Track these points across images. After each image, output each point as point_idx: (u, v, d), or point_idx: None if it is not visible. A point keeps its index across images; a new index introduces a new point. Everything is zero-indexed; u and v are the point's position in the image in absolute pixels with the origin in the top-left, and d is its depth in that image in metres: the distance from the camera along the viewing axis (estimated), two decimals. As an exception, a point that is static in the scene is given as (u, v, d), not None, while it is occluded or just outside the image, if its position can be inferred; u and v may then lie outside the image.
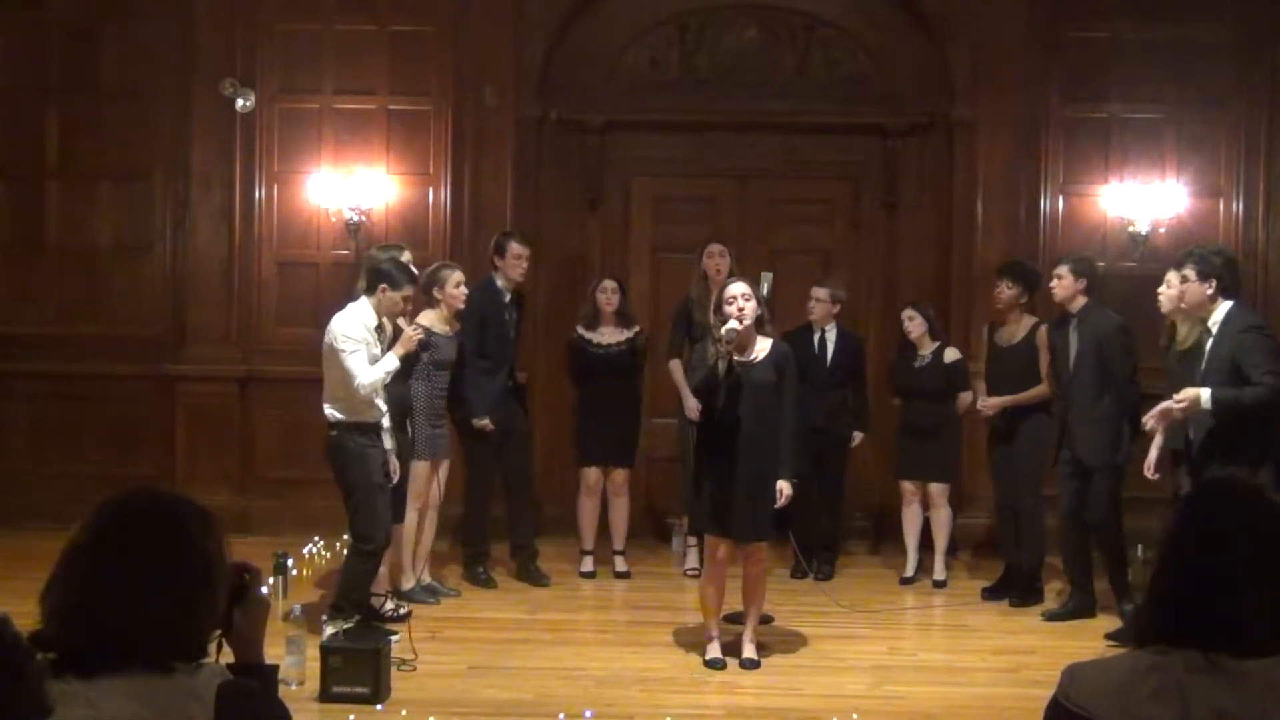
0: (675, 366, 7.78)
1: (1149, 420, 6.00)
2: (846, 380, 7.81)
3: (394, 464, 6.39)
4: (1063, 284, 6.89)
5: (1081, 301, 6.88)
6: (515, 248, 7.52)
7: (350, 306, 6.25)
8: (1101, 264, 7.73)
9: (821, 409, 7.50)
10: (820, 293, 7.77)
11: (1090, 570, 6.97)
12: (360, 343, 6.11)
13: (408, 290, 6.26)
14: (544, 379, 8.58)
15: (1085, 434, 6.73)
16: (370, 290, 6.22)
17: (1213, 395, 5.73)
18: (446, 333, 7.06)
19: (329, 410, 6.19)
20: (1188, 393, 5.78)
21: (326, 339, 6.20)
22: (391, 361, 6.18)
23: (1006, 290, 7.32)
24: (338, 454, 6.18)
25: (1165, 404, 5.88)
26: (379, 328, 6.23)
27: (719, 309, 5.99)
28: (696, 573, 7.66)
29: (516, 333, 7.62)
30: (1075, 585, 6.98)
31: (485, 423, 7.33)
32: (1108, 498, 6.71)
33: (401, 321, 6.50)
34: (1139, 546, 7.22)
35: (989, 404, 7.29)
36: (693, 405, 7.62)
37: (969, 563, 8.15)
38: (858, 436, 7.88)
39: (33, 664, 1.85)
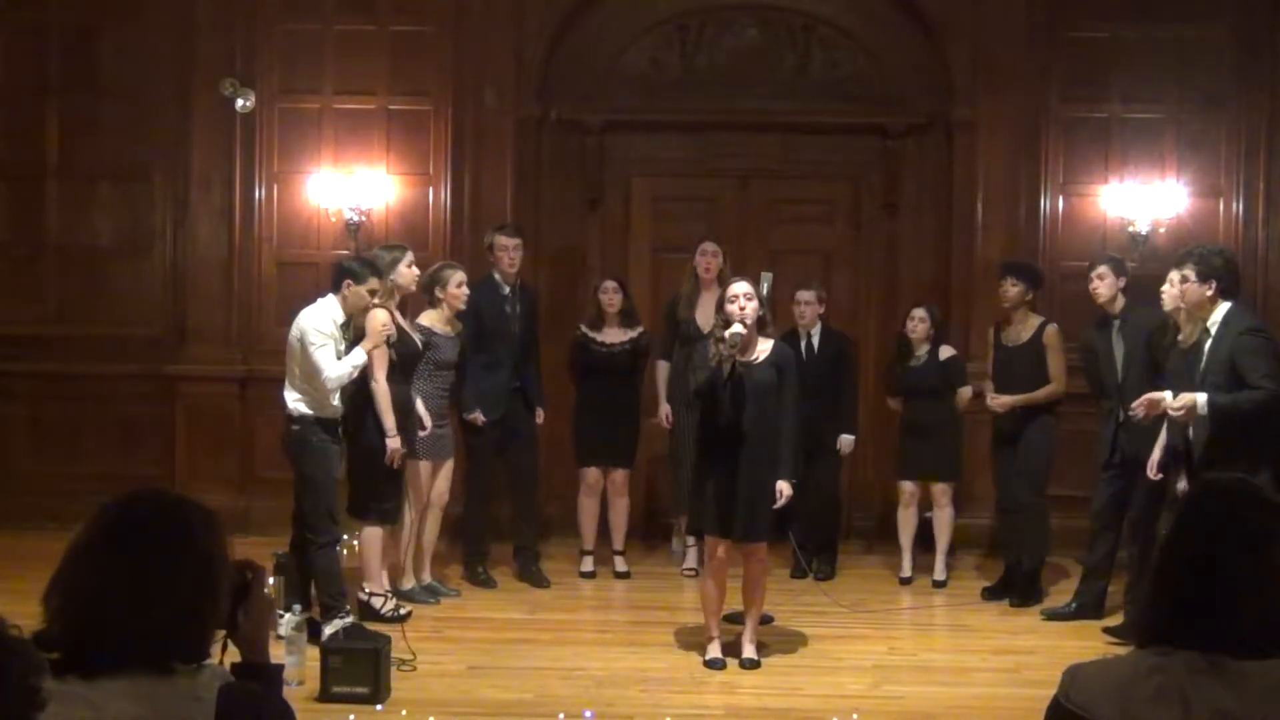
0: (661, 368, 7.80)
1: (1137, 409, 5.99)
2: (832, 380, 7.68)
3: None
4: (1105, 284, 6.79)
5: (1122, 302, 6.82)
6: (500, 239, 7.54)
7: (319, 302, 6.32)
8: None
9: (815, 411, 7.47)
10: (807, 295, 7.75)
11: (1111, 572, 6.91)
12: (328, 337, 6.16)
13: (373, 283, 6.30)
14: (545, 378, 8.56)
15: (1142, 435, 6.49)
16: (336, 288, 6.26)
17: (1209, 400, 5.71)
18: (448, 333, 7.07)
19: (292, 404, 6.25)
20: (1184, 399, 5.75)
21: (293, 333, 6.27)
22: (359, 356, 6.22)
23: (1011, 288, 7.30)
24: (299, 447, 6.26)
25: (1152, 395, 5.88)
26: (345, 325, 6.25)
27: (720, 308, 5.98)
28: (694, 572, 7.68)
29: (524, 329, 7.57)
30: (1086, 583, 6.92)
31: (475, 416, 7.34)
32: (1151, 497, 6.64)
33: (399, 313, 6.50)
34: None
35: (1000, 401, 7.24)
36: (666, 412, 7.68)
37: (969, 563, 8.14)
38: (846, 440, 7.73)
39: (20, 660, 1.84)
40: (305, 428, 6.23)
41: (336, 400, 6.30)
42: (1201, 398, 5.72)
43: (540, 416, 7.67)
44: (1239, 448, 5.71)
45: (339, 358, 6.19)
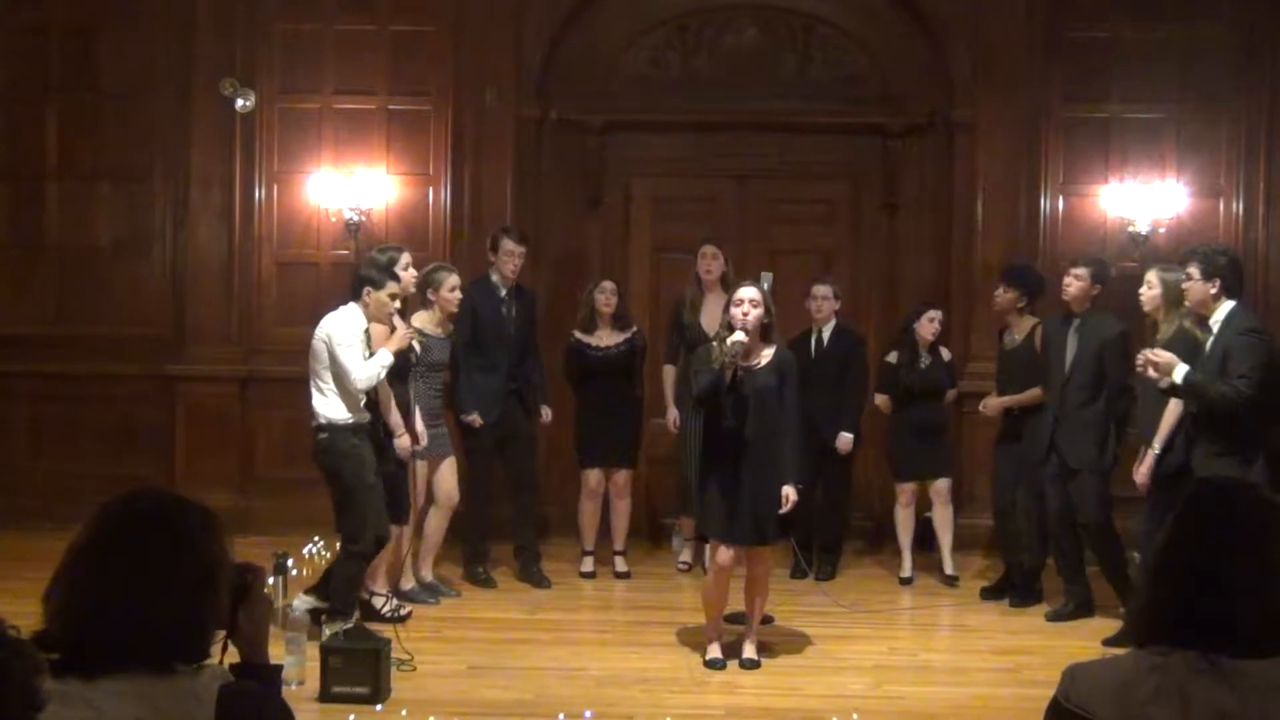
0: (668, 372, 7.82)
1: (1140, 360, 6.03)
2: (841, 378, 7.67)
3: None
4: (1080, 285, 6.82)
5: (1087, 305, 6.85)
6: (507, 244, 7.53)
7: (341, 310, 6.29)
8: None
9: (824, 409, 7.49)
10: (824, 290, 7.74)
11: (1084, 569, 6.95)
12: (356, 340, 6.13)
13: (393, 287, 6.27)
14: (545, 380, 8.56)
15: (1072, 436, 6.71)
16: (356, 296, 6.24)
17: (1186, 375, 5.83)
18: (439, 334, 7.07)
19: (320, 411, 6.20)
20: (1167, 355, 5.88)
21: (317, 339, 6.23)
22: (386, 357, 6.20)
23: (1002, 295, 7.33)
24: (331, 455, 6.19)
25: (1149, 352, 5.96)
26: (366, 331, 6.24)
27: (727, 309, 5.98)
28: (688, 566, 7.73)
29: (520, 331, 7.57)
30: (1070, 584, 6.96)
31: (473, 418, 7.33)
32: (1097, 499, 6.69)
33: (397, 321, 6.49)
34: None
35: (989, 405, 7.29)
36: (674, 417, 7.69)
37: (969, 563, 8.14)
38: (844, 439, 7.63)
39: (20, 661, 1.84)
40: (334, 434, 6.17)
41: (364, 404, 6.27)
42: (1182, 367, 5.83)
43: (546, 415, 7.66)
44: (1230, 442, 5.76)
45: (365, 360, 6.17)
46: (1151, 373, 5.98)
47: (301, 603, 6.08)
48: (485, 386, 7.41)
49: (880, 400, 7.84)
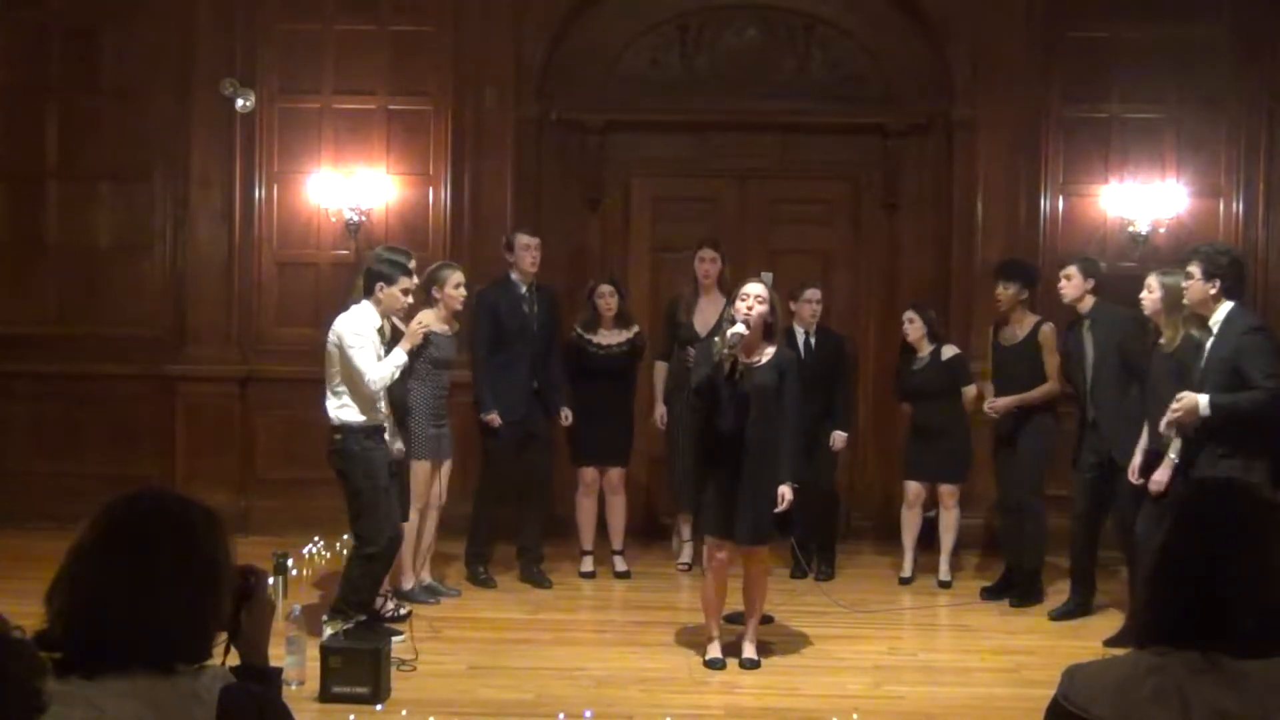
0: (659, 369, 7.85)
1: (1163, 426, 5.94)
2: (829, 379, 7.68)
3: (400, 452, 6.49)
4: (1072, 284, 6.84)
5: (1091, 301, 6.83)
6: (522, 238, 7.53)
7: (353, 308, 6.25)
8: (1103, 264, 7.71)
9: (817, 409, 7.49)
10: (816, 293, 7.76)
11: (1094, 570, 6.95)
12: (366, 340, 6.12)
13: (405, 282, 6.25)
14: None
15: (1117, 432, 6.56)
16: (369, 292, 6.22)
17: (1210, 401, 5.69)
18: (445, 332, 7.06)
19: (334, 413, 6.17)
20: (1186, 399, 5.73)
21: (331, 340, 6.20)
22: (400, 356, 6.19)
23: (1004, 290, 7.33)
24: (343, 457, 6.16)
25: (1173, 414, 5.84)
26: (380, 329, 6.23)
27: (731, 302, 5.99)
28: (688, 567, 7.72)
29: (543, 329, 7.54)
30: (1078, 583, 6.96)
31: (492, 417, 7.31)
32: (1133, 497, 6.64)
33: (398, 323, 6.49)
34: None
35: (996, 405, 7.26)
36: (661, 414, 7.71)
37: (969, 563, 8.15)
38: (839, 436, 7.72)
39: (22, 663, 1.84)
40: (348, 436, 6.14)
41: (382, 405, 6.25)
42: (1204, 399, 5.70)
43: (566, 418, 7.62)
44: (1232, 442, 5.71)
45: (379, 360, 6.16)
46: (1174, 417, 5.81)
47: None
48: (508, 385, 7.38)
49: (904, 405, 7.86)
